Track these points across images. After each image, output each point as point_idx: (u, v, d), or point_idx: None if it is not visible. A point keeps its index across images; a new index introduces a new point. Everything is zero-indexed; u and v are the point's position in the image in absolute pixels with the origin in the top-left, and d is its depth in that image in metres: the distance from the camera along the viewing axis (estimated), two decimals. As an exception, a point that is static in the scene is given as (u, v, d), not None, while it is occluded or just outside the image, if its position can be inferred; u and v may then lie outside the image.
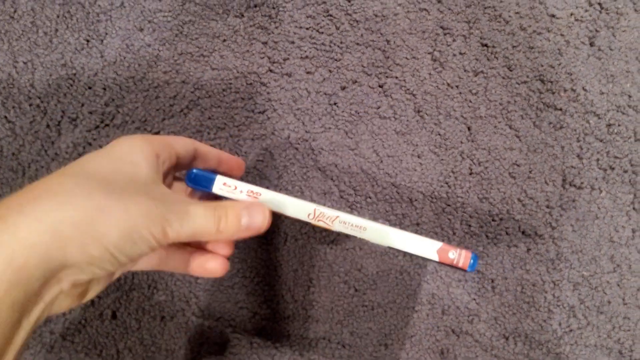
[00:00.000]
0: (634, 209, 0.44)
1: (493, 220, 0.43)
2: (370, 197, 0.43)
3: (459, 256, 0.31)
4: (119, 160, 0.26)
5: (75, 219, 0.23)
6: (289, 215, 0.31)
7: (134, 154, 0.27)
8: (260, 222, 0.29)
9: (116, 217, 0.24)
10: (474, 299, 0.43)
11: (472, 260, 0.32)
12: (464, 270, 0.32)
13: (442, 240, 0.43)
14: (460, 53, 0.43)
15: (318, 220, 0.31)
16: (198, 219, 0.27)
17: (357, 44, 0.43)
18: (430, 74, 0.44)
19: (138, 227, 0.24)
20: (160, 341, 0.43)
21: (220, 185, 0.31)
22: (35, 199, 0.23)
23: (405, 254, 0.43)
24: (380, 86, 0.44)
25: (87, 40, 0.43)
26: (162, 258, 0.32)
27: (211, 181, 0.31)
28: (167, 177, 0.31)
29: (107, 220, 0.23)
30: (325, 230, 0.42)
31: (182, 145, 0.31)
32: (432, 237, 0.43)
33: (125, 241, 0.24)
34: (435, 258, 0.32)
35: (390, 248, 0.32)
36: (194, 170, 0.31)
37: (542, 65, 0.43)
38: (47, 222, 0.22)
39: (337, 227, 0.31)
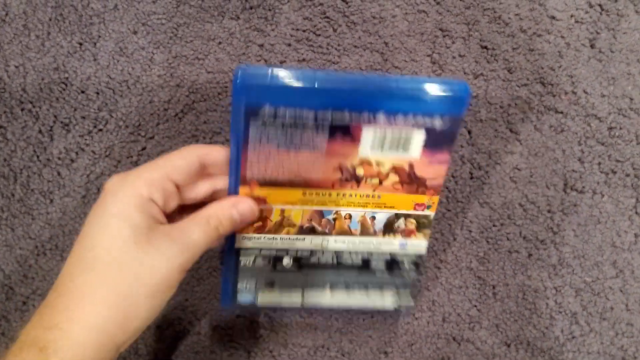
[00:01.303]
0: (636, 213, 0.43)
1: (494, 225, 0.43)
2: (369, 202, 0.43)
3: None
4: (118, 225, 0.28)
5: (112, 314, 0.26)
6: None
7: (127, 213, 0.28)
8: (249, 214, 0.33)
9: (141, 294, 0.27)
10: (475, 306, 0.43)
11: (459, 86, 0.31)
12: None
13: (443, 247, 0.43)
14: (460, 55, 0.43)
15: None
16: (201, 242, 0.30)
17: (355, 46, 0.43)
18: (429, 76, 0.43)
19: (160, 288, 0.28)
20: (155, 350, 0.42)
21: None
22: (77, 304, 0.26)
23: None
24: (379, 89, 0.43)
25: (80, 44, 0.42)
26: None
27: None
28: (169, 200, 0.31)
29: (135, 302, 0.27)
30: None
31: (182, 168, 0.31)
32: (431, 243, 0.43)
33: (156, 302, 0.28)
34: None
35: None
36: None
37: (542, 68, 0.43)
38: (92, 324, 0.26)
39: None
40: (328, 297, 0.37)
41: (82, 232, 0.29)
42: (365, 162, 0.33)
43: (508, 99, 0.43)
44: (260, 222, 0.34)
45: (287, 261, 0.35)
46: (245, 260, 0.35)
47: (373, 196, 0.34)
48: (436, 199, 0.35)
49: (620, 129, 0.43)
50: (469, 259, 0.43)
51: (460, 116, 0.31)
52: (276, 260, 0.35)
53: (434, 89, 0.31)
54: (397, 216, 0.35)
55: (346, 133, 0.32)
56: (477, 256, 0.43)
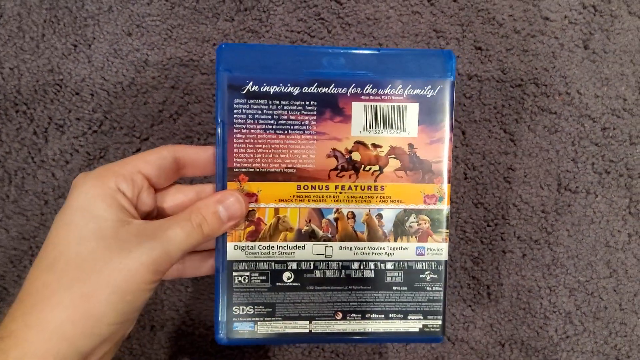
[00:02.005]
0: (629, 213, 0.43)
1: (488, 225, 0.43)
2: (363, 203, 0.43)
3: None
4: (82, 220, 0.26)
5: (71, 316, 0.24)
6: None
7: (92, 205, 0.26)
8: (237, 210, 0.30)
9: (103, 294, 0.25)
10: (469, 306, 0.43)
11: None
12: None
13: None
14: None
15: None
16: (180, 240, 0.27)
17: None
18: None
19: (127, 289, 0.25)
20: (150, 351, 0.42)
21: None
22: (33, 308, 0.24)
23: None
24: (373, 90, 0.43)
25: (75, 45, 0.42)
26: (179, 269, 0.33)
27: None
28: (141, 196, 0.29)
29: (97, 303, 0.25)
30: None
31: (154, 161, 0.29)
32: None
33: (124, 306, 0.25)
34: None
35: None
36: None
37: (536, 69, 0.43)
38: (50, 329, 0.24)
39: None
40: (340, 324, 0.33)
41: (49, 231, 0.27)
42: (360, 145, 0.31)
43: (502, 100, 0.43)
44: (253, 226, 0.32)
45: (287, 275, 0.32)
46: (240, 278, 0.32)
47: (376, 188, 0.32)
48: (447, 188, 0.32)
49: (614, 129, 0.43)
50: (463, 259, 0.43)
51: (449, 80, 0.31)
52: (275, 275, 0.32)
53: (417, 54, 0.32)
54: (407, 212, 0.32)
55: (335, 110, 0.31)
56: (472, 256, 0.43)
